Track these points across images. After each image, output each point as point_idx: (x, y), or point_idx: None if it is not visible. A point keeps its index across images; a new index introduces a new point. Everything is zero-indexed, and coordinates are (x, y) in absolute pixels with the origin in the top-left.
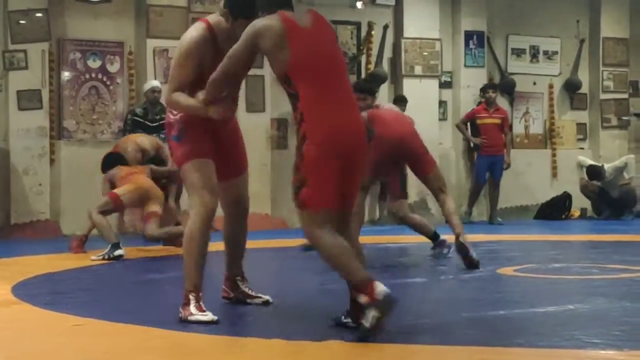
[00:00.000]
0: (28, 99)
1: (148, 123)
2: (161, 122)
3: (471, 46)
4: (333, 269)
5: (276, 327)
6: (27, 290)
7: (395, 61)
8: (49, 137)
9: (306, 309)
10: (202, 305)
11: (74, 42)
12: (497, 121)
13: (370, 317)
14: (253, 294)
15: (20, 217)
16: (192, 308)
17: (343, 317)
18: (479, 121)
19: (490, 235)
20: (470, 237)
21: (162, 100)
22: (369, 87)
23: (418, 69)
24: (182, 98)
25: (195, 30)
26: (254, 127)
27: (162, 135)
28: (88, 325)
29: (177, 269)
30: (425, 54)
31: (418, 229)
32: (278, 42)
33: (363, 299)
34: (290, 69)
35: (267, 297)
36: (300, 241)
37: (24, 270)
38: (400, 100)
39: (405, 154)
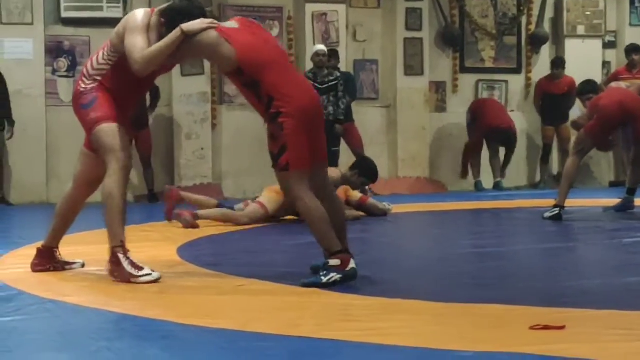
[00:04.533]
0: (190, 65)
1: (318, 85)
2: (330, 84)
3: (637, 4)
4: (311, 232)
5: (422, 289)
6: (191, 252)
7: (556, 21)
8: (210, 102)
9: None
10: (135, 261)
11: (234, 8)
12: None
13: (330, 277)
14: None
15: (183, 181)
16: (128, 267)
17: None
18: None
19: None
20: None
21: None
22: (588, 88)
23: (581, 29)
24: (154, 47)
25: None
26: (412, 91)
27: (332, 98)
28: (250, 285)
29: None
30: (588, 13)
31: None
32: (219, 42)
33: (333, 262)
34: (240, 61)
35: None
36: (462, 205)
37: (188, 232)
38: (557, 64)
39: (627, 117)
